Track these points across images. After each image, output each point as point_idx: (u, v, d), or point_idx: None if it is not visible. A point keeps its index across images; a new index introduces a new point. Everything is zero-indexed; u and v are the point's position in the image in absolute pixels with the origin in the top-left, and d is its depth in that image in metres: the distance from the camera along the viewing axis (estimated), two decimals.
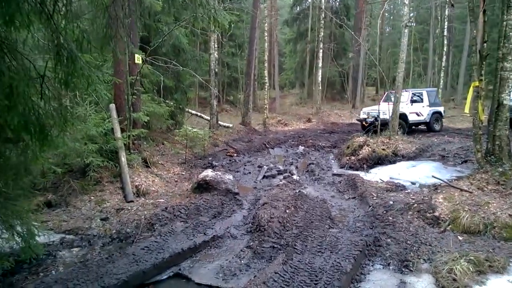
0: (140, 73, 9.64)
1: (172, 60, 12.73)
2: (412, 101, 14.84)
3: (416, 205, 5.72)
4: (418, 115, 15.01)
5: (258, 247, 4.79)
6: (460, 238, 4.95)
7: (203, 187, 6.68)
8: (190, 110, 15.75)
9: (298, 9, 27.89)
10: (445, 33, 16.92)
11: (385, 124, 14.25)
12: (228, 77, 23.80)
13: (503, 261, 4.24)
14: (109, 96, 8.75)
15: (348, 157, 10.13)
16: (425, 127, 15.56)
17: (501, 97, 5.85)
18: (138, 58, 8.73)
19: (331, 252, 4.44)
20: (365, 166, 9.67)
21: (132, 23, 8.70)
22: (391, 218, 5.59)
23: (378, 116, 14.29)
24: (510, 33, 5.72)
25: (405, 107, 14.43)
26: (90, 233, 5.36)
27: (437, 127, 15.66)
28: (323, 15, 19.93)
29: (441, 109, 15.78)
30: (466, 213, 5.16)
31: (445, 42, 16.95)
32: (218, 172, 6.86)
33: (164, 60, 11.31)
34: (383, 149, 10.33)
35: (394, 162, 10.28)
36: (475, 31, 6.21)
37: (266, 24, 15.98)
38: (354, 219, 5.95)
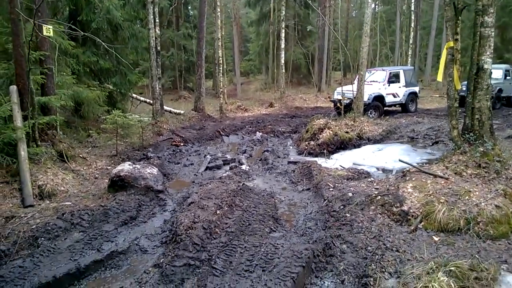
0: (55, 49, 8.04)
1: (110, 38, 11.17)
2: (390, 82, 13.70)
3: (380, 197, 4.52)
4: (394, 96, 13.94)
5: (168, 265, 3.46)
6: (436, 238, 3.80)
7: (118, 185, 5.27)
8: (134, 95, 14.10)
9: None
10: (412, 7, 15.92)
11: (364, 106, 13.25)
12: (186, 61, 22.17)
13: (493, 270, 3.12)
14: (8, 75, 7.22)
15: (307, 142, 8.92)
16: (400, 107, 14.54)
17: (481, 60, 4.70)
18: (48, 30, 7.08)
19: (263, 271, 3.18)
20: (326, 151, 8.49)
21: None
22: (349, 215, 4.38)
23: (354, 97, 13.29)
24: None
25: (382, 88, 13.39)
26: None
27: (412, 108, 14.66)
28: None
29: (416, 89, 14.78)
30: (442, 205, 4.01)
31: (413, 18, 15.95)
32: (137, 166, 5.45)
33: (94, 37, 9.67)
34: (347, 132, 9.21)
35: (359, 146, 9.22)
36: None
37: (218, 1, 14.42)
38: (304, 218, 4.72)
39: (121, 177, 5.21)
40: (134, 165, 5.45)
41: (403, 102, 14.27)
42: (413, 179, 4.73)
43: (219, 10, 14.66)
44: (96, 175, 6.79)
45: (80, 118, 10.29)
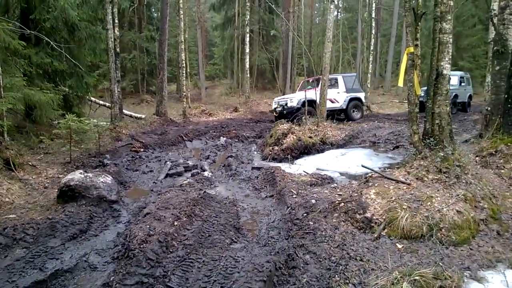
0: (2, 49, 7.49)
1: (65, 38, 10.58)
2: None
3: (343, 204, 4.43)
4: (332, 101, 13.85)
5: (118, 284, 3.17)
6: (400, 246, 3.73)
7: (68, 195, 4.87)
8: (92, 99, 13.46)
9: None
10: (373, 15, 16.30)
11: (292, 112, 13.32)
12: (148, 64, 21.56)
13: (456, 278, 3.07)
14: None
15: (271, 148, 8.79)
16: (343, 115, 14.42)
17: (441, 66, 4.75)
18: None
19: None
20: (289, 156, 8.39)
21: None
22: (312, 222, 4.25)
23: (286, 104, 13.65)
24: None
25: (315, 93, 13.20)
26: None
27: (356, 115, 14.61)
28: None
29: (361, 95, 14.70)
30: (405, 212, 3.96)
31: (373, 25, 16.32)
32: (89, 175, 5.06)
33: (42, 37, 9.10)
34: (310, 137, 9.16)
35: (322, 151, 9.19)
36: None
37: (180, 1, 14.07)
38: (267, 226, 4.54)
39: (71, 186, 4.82)
40: (86, 174, 5.06)
41: (344, 107, 14.17)
42: (376, 185, 4.68)
43: (182, 12, 14.34)
44: (46, 184, 6.30)
45: (32, 123, 9.65)
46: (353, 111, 14.46)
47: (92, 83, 11.35)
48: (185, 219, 4.34)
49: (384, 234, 3.96)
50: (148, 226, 4.02)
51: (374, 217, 4.11)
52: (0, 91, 6.87)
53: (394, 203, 4.17)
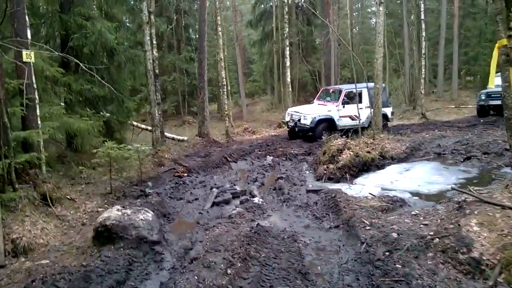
0: (41, 77, 7.26)
1: (105, 63, 10.43)
2: (344, 102, 12.10)
3: (437, 239, 3.49)
4: (352, 118, 11.97)
5: None
6: None
7: (104, 236, 4.28)
8: (134, 123, 13.25)
9: (262, 7, 25.89)
10: (422, 16, 15.11)
11: (306, 131, 12.06)
12: (188, 85, 21.43)
13: None
14: None
15: (325, 166, 7.90)
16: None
17: None
18: (29, 56, 6.31)
19: None
20: (348, 175, 7.46)
21: (18, 12, 6.33)
22: (400, 266, 3.35)
23: (299, 120, 12.10)
24: None
25: (333, 109, 12.07)
26: None
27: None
28: (286, 9, 17.88)
29: (387, 110, 12.38)
30: None
31: (423, 26, 15.10)
32: (127, 211, 4.44)
33: (86, 63, 8.91)
34: (368, 152, 8.20)
35: (383, 166, 8.22)
36: None
37: (218, 18, 13.74)
38: (340, 269, 3.67)
39: (107, 226, 4.22)
40: (123, 211, 4.46)
41: (366, 126, 11.48)
42: (475, 212, 3.69)
43: (220, 29, 13.97)
44: (84, 221, 5.81)
45: (73, 152, 9.43)
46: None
47: (133, 108, 11.08)
48: (239, 264, 3.59)
49: (502, 280, 2.99)
50: (196, 278, 3.29)
51: (484, 258, 3.14)
52: (37, 121, 6.56)
53: (509, 237, 3.19)
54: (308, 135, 12.26)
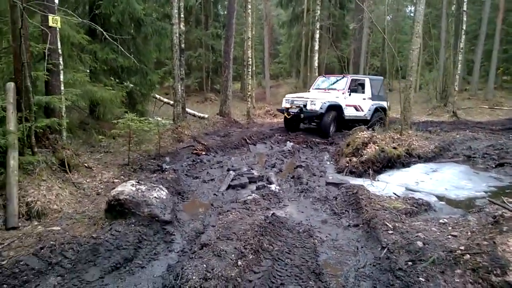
0: (66, 43, 7.14)
1: (132, 34, 10.26)
2: (351, 91, 11.62)
3: (468, 256, 3.20)
4: (357, 109, 11.78)
5: None
6: None
7: (116, 210, 4.16)
8: (157, 96, 13.15)
9: None
10: (464, 7, 14.18)
11: (313, 117, 11.49)
12: (213, 62, 21.19)
13: None
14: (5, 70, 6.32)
15: (348, 159, 7.60)
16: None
17: None
18: (55, 20, 6.16)
19: None
20: (371, 171, 7.15)
21: None
22: (423, 279, 3.09)
23: (304, 106, 11.29)
24: None
25: (340, 96, 11.43)
26: None
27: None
28: None
29: (385, 104, 11.67)
30: None
31: (464, 19, 14.20)
32: (141, 187, 4.30)
33: (113, 32, 8.76)
34: (394, 148, 7.84)
35: (408, 164, 7.87)
36: None
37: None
38: (356, 274, 3.44)
39: (120, 201, 4.10)
40: (138, 186, 4.31)
41: (368, 118, 11.85)
42: None
43: (249, 7, 13.54)
44: (99, 190, 5.74)
45: (95, 120, 9.40)
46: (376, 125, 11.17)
47: (157, 81, 10.99)
48: (251, 256, 3.40)
49: None
50: (205, 265, 3.12)
51: None
52: (60, 87, 6.46)
53: None
54: (313, 124, 11.85)
